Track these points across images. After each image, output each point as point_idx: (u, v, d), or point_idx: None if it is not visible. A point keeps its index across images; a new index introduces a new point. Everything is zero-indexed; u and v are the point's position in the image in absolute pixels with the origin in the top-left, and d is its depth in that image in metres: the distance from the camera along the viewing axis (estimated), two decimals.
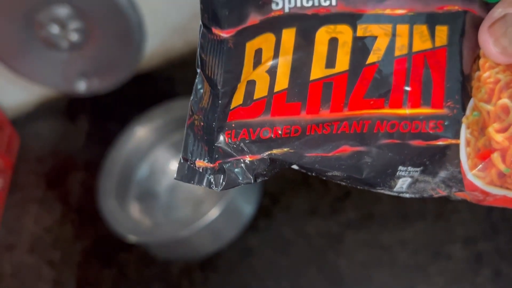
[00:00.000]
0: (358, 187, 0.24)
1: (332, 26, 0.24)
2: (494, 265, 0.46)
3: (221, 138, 0.24)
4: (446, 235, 0.48)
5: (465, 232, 0.48)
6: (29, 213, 0.71)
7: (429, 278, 0.47)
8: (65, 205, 0.69)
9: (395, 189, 0.25)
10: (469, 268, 0.46)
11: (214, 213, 0.49)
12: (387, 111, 0.23)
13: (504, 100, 0.21)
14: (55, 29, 0.70)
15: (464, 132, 0.22)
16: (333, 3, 0.24)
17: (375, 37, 0.23)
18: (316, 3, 0.24)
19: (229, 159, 0.24)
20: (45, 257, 0.65)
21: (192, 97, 0.25)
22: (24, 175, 0.76)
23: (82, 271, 0.61)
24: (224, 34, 0.25)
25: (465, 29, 0.23)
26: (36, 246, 0.67)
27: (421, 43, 0.23)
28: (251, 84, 0.24)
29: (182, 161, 0.25)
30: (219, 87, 0.25)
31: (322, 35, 0.24)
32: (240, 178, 0.24)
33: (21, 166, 0.78)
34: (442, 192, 0.23)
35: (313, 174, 0.25)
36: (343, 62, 0.23)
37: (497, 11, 0.20)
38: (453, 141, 0.22)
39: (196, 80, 0.25)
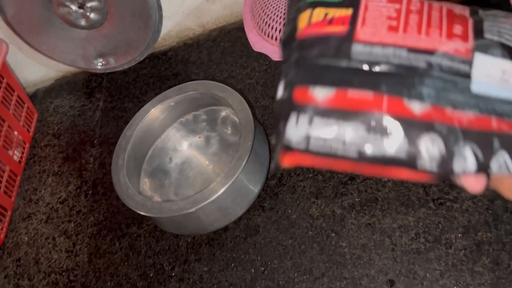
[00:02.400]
0: None
1: None
2: (494, 255, 0.46)
3: None
4: (447, 223, 0.49)
5: (466, 220, 0.48)
6: (46, 185, 0.74)
7: (428, 264, 0.47)
8: (80, 179, 0.71)
9: None
10: (469, 256, 0.47)
11: (222, 191, 0.51)
12: None
13: None
14: (74, 8, 0.71)
15: None
16: None
17: None
18: None
19: None
20: (60, 228, 0.68)
21: None
22: (42, 149, 0.79)
23: (94, 243, 0.64)
24: None
25: None
26: (51, 217, 0.69)
27: None
28: None
29: None
30: None
31: None
32: None
33: (39, 140, 0.80)
34: None
35: None
36: None
37: None
38: None
39: None
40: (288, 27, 0.22)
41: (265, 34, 0.58)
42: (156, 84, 0.77)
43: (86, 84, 0.85)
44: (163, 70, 0.79)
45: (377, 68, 0.19)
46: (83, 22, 0.73)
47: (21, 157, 0.77)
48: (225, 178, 0.51)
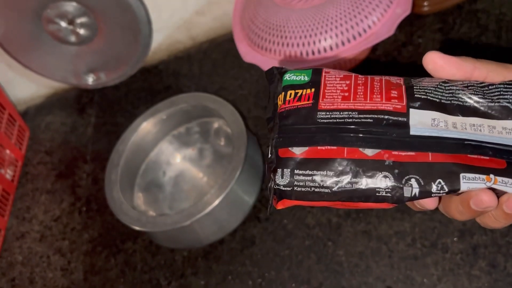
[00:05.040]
0: None
1: None
2: (490, 258, 0.46)
3: None
4: (443, 227, 0.49)
5: (462, 224, 0.49)
6: (39, 203, 0.73)
7: (425, 269, 0.47)
8: (73, 196, 0.71)
9: None
10: (465, 260, 0.47)
11: (216, 203, 0.50)
12: None
13: None
14: (63, 24, 0.71)
15: None
16: None
17: None
18: None
19: None
20: (54, 246, 0.67)
21: None
22: (34, 167, 0.78)
23: (89, 260, 0.63)
24: None
25: None
26: (45, 235, 0.69)
27: None
28: None
29: None
30: None
31: None
32: None
33: (31, 158, 0.79)
34: None
35: None
36: None
37: None
38: None
39: None
40: (270, 107, 0.29)
41: (255, 45, 0.58)
42: (147, 97, 0.77)
43: (77, 100, 0.84)
44: (154, 83, 0.79)
45: (337, 127, 0.26)
46: (73, 38, 0.73)
47: (14, 176, 0.77)
48: (219, 189, 0.51)
